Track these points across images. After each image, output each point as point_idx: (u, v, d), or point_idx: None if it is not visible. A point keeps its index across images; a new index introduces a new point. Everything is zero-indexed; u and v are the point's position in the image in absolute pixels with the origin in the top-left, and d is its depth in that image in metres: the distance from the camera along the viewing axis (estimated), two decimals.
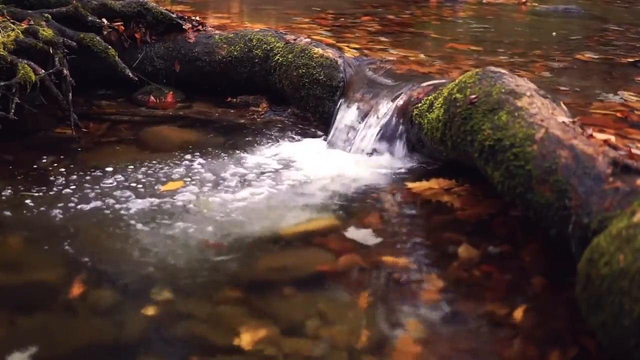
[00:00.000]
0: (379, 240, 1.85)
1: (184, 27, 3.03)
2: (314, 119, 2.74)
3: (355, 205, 2.07)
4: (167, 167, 2.25)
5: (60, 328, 1.46)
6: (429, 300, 1.57)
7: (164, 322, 1.48)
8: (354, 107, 2.53)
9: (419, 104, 2.28)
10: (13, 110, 2.35)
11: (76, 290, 1.58)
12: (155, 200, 2.01)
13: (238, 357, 1.37)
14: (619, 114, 2.35)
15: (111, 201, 1.99)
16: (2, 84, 2.35)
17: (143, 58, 2.99)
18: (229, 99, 2.97)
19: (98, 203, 1.98)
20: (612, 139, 1.66)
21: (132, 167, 2.25)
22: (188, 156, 2.35)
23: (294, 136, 2.62)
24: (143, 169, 2.23)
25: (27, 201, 1.97)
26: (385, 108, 2.43)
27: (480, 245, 1.79)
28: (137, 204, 1.98)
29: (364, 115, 2.48)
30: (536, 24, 4.91)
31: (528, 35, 4.40)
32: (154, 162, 2.29)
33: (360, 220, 1.95)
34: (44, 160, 2.28)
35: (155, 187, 2.10)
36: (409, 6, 5.25)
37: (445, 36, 3.95)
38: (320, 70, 2.69)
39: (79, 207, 1.96)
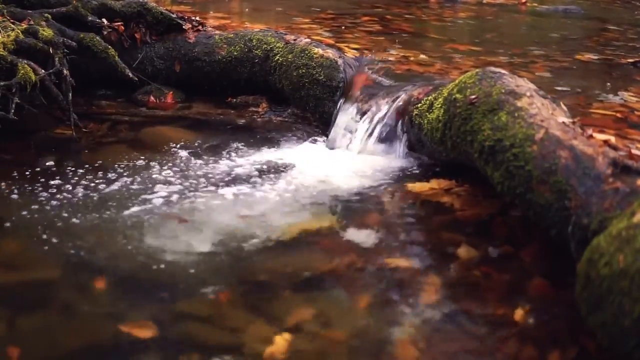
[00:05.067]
0: (378, 240, 1.85)
1: (184, 27, 3.03)
2: (314, 119, 2.74)
3: (355, 205, 2.07)
4: (166, 167, 2.25)
5: (60, 328, 1.46)
6: (428, 301, 1.57)
7: (164, 322, 1.48)
8: (354, 108, 2.53)
9: (419, 104, 2.28)
10: (13, 110, 2.35)
11: (75, 289, 1.59)
12: (154, 199, 2.01)
13: (238, 357, 1.37)
14: (618, 115, 2.35)
15: (111, 201, 1.99)
16: (2, 84, 2.35)
17: (143, 58, 2.99)
18: (229, 99, 2.97)
19: (98, 203, 1.98)
20: (612, 139, 1.66)
21: (132, 167, 2.25)
22: (188, 156, 2.35)
23: (294, 136, 2.62)
24: (143, 169, 2.23)
25: (27, 201, 1.97)
26: (385, 108, 2.43)
27: (480, 246, 1.79)
28: (137, 203, 1.98)
29: (363, 116, 2.48)
30: (536, 24, 4.91)
31: (528, 35, 4.40)
32: (153, 162, 2.29)
33: (360, 221, 1.95)
34: (44, 160, 2.28)
35: (154, 187, 2.10)
36: (409, 6, 5.25)
37: (445, 36, 3.96)
38: (320, 70, 2.69)
39: (79, 207, 1.96)
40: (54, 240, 1.78)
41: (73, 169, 2.22)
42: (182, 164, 2.29)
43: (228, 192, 2.10)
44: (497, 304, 1.55)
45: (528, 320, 1.49)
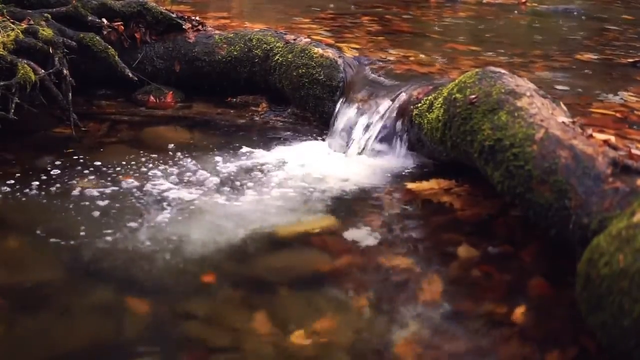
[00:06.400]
0: (378, 240, 1.85)
1: (183, 27, 3.03)
2: (314, 119, 2.74)
3: (355, 205, 2.07)
4: (166, 167, 2.25)
5: (60, 328, 1.46)
6: (428, 301, 1.57)
7: (164, 321, 1.48)
8: (353, 107, 2.53)
9: (419, 104, 2.28)
10: (13, 110, 2.35)
11: (75, 289, 1.59)
12: (154, 199, 2.01)
13: (238, 357, 1.37)
14: (618, 114, 2.35)
15: (111, 201, 1.99)
16: (1, 83, 2.35)
17: (143, 58, 2.99)
18: (229, 99, 2.97)
19: (98, 203, 1.98)
20: (612, 139, 1.66)
21: (132, 167, 2.25)
22: (188, 156, 2.35)
23: (294, 136, 2.62)
24: (142, 169, 2.23)
25: (27, 201, 1.98)
26: (385, 108, 2.43)
27: (480, 246, 1.79)
28: (137, 203, 1.98)
29: (363, 115, 2.48)
30: (536, 24, 4.91)
31: (528, 35, 4.40)
32: (153, 162, 2.29)
33: (360, 221, 1.95)
34: (43, 160, 2.28)
35: (154, 186, 2.10)
36: (409, 6, 5.24)
37: (445, 36, 3.95)
38: (320, 70, 2.69)
39: (79, 207, 1.95)
40: (54, 239, 1.78)
41: (73, 168, 2.22)
42: (181, 164, 2.29)
43: (228, 191, 2.10)
44: (497, 303, 1.55)
45: (528, 320, 1.49)
